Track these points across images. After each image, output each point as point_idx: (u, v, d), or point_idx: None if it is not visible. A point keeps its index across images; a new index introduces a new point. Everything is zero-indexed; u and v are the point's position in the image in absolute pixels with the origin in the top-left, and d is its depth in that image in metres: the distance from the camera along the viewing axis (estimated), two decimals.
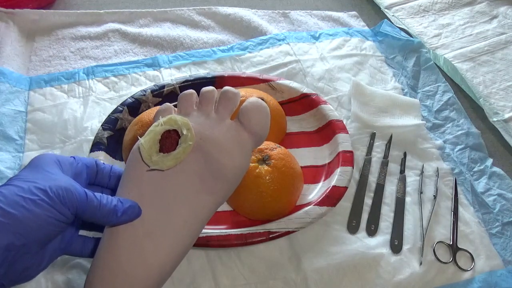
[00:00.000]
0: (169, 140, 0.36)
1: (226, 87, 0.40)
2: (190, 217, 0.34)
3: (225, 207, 0.51)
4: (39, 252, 0.30)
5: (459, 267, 0.48)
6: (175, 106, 0.40)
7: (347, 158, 0.53)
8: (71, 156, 0.35)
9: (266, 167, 0.48)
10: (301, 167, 0.52)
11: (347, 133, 0.56)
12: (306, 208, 0.48)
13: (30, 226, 0.28)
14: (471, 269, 0.48)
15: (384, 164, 0.57)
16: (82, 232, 0.37)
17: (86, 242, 0.36)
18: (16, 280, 0.30)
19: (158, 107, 0.54)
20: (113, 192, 0.37)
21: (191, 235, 0.35)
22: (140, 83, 0.66)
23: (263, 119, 0.39)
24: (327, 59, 0.72)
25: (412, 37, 0.79)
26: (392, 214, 0.52)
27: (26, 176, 0.30)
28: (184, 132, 0.35)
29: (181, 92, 0.60)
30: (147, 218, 0.34)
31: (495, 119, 0.64)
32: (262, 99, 0.45)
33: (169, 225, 0.33)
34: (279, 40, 0.74)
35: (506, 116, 0.64)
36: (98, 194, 0.32)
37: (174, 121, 0.36)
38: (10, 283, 0.29)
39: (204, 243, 0.44)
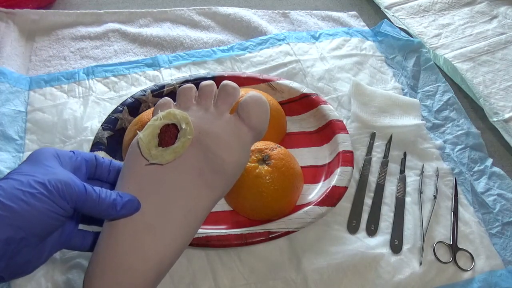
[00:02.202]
0: (168, 134, 0.36)
1: (225, 81, 0.40)
2: (189, 211, 0.34)
3: (225, 207, 0.51)
4: (38, 245, 0.30)
5: (459, 267, 0.48)
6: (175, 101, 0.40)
7: (347, 158, 0.53)
8: (70, 151, 0.35)
9: (266, 167, 0.47)
10: (301, 167, 0.52)
11: (347, 133, 0.56)
12: (306, 208, 0.48)
13: (29, 220, 0.28)
14: (471, 269, 0.48)
15: (384, 164, 0.57)
16: (81, 226, 0.37)
17: (85, 236, 0.36)
18: (16, 274, 0.30)
19: None
20: (112, 186, 0.37)
21: (190, 229, 0.35)
22: (140, 83, 0.66)
23: (262, 113, 0.39)
24: (327, 59, 0.72)
25: (412, 37, 0.79)
26: (392, 214, 0.52)
27: (25, 170, 0.30)
28: (183, 126, 0.35)
29: None
30: (146, 212, 0.34)
31: (495, 119, 0.64)
32: None
33: (168, 219, 0.34)
34: (279, 40, 0.74)
35: (506, 116, 0.64)
36: (97, 188, 0.32)
37: (173, 115, 0.36)
38: (10, 276, 0.29)
39: (204, 243, 0.44)
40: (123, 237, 0.33)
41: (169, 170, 0.35)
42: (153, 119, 0.36)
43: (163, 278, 0.34)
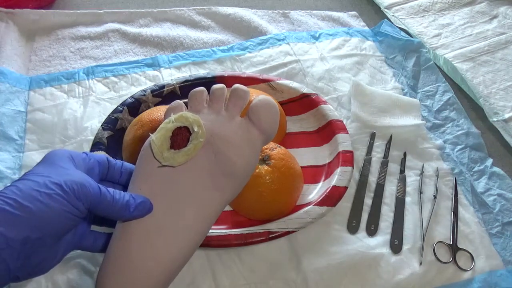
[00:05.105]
0: (180, 137, 0.36)
1: (236, 85, 0.40)
2: (200, 213, 0.35)
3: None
4: (53, 246, 0.31)
5: (459, 267, 0.48)
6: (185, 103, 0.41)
7: (347, 158, 0.53)
8: (83, 152, 0.35)
9: (266, 167, 0.47)
10: (301, 167, 0.52)
11: (347, 133, 0.56)
12: (306, 208, 0.48)
13: (45, 220, 0.28)
14: (471, 269, 0.48)
15: (384, 164, 0.57)
16: (92, 227, 0.37)
17: (97, 237, 0.37)
18: (31, 273, 0.30)
19: (158, 107, 0.54)
20: (124, 188, 0.37)
21: (200, 231, 0.35)
22: (140, 83, 0.66)
23: (272, 116, 0.39)
24: (327, 59, 0.72)
25: (412, 37, 0.79)
26: (392, 214, 0.52)
27: (41, 171, 0.31)
28: (195, 129, 0.36)
29: (181, 92, 0.61)
30: (158, 214, 0.34)
31: (495, 119, 0.64)
32: None
33: (179, 221, 0.34)
34: (279, 40, 0.74)
35: (506, 116, 0.64)
36: (111, 189, 0.32)
37: (185, 118, 0.36)
38: (25, 275, 0.30)
39: (204, 243, 0.44)
40: (136, 238, 0.33)
41: (181, 172, 0.35)
42: (165, 122, 0.37)
43: (174, 278, 0.34)
